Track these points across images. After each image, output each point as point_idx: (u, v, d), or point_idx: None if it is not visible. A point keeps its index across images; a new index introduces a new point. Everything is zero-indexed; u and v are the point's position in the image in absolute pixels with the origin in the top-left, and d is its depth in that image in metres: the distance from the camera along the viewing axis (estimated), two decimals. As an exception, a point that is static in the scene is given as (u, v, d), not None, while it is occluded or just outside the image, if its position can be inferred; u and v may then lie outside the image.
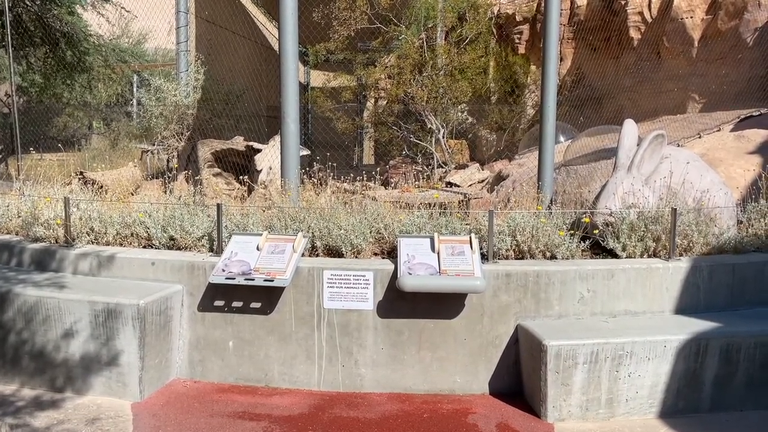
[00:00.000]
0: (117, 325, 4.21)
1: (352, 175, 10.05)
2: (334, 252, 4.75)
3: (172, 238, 4.85)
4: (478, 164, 11.41)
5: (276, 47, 13.83)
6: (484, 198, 7.15)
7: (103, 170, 9.43)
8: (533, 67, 13.11)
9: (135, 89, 10.35)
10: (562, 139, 9.54)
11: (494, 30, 12.86)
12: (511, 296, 4.38)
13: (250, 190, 8.80)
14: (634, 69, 10.31)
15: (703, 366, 4.03)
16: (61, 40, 11.78)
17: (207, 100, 10.86)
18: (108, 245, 5.01)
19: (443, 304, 4.35)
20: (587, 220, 4.73)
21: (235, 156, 8.82)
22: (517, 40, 13.02)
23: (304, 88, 14.55)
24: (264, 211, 7.57)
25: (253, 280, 4.28)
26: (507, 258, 4.65)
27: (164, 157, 10.74)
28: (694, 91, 9.49)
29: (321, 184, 9.13)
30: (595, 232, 4.70)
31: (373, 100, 9.57)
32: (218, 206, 4.62)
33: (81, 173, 8.58)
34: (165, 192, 9.83)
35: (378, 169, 12.84)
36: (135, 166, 9.57)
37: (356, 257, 4.68)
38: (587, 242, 4.70)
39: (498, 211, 5.70)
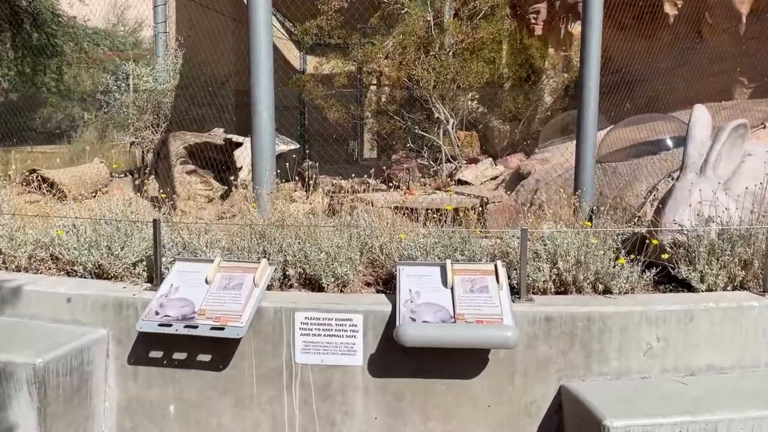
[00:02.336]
0: (8, 390, 3.04)
1: (342, 176, 8.83)
2: (312, 283, 3.56)
3: (98, 265, 3.67)
4: (491, 159, 10.18)
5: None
6: (503, 201, 5.95)
7: (64, 167, 8.26)
8: (551, 50, 11.84)
9: (108, 77, 9.16)
10: (589, 130, 8.29)
11: (507, 9, 11.57)
12: (553, 347, 3.18)
13: (230, 190, 7.63)
14: (671, 50, 9.04)
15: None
16: (25, 20, 10.57)
17: (186, 87, 9.66)
18: (19, 271, 3.84)
19: (459, 359, 3.16)
20: (655, 242, 3.51)
21: (214, 151, 7.64)
22: (533, 20, 11.73)
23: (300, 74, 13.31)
24: (222, 217, 6.39)
25: (196, 328, 3.10)
26: (545, 292, 3.45)
27: (138, 151, 9.57)
28: (743, 74, 8.23)
29: (310, 185, 7.95)
30: (664, 257, 3.49)
31: (373, 86, 8.36)
32: (155, 223, 3.43)
33: (34, 171, 7.41)
34: (138, 193, 8.65)
35: (380, 163, 11.65)
36: (101, 162, 8.39)
37: (341, 291, 3.49)
38: (653, 271, 3.48)
39: (526, 222, 4.51)
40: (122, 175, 9.35)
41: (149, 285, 3.52)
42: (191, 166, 7.50)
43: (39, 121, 19.59)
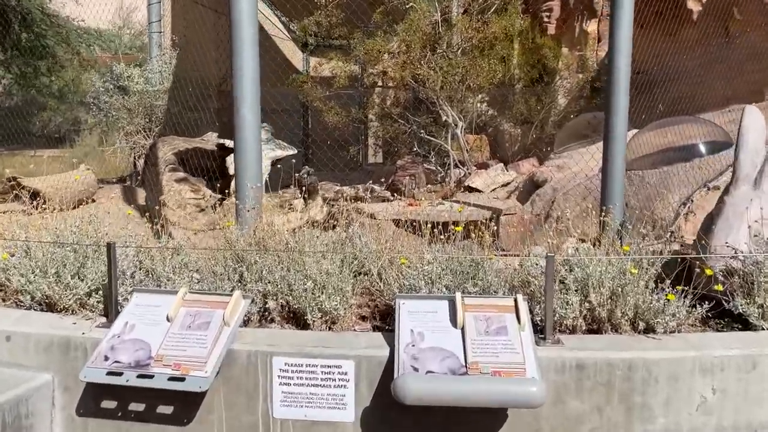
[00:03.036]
0: (-76, 453, 2.50)
1: (344, 182, 8.31)
2: (297, 317, 3.00)
3: (47, 295, 3.12)
4: (502, 164, 9.60)
5: (269, 29, 12.09)
6: (517, 213, 5.37)
7: (46, 175, 7.74)
8: (565, 50, 11.25)
9: (95, 79, 8.67)
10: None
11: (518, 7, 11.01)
12: (586, 402, 2.61)
13: (224, 199, 7.10)
14: (696, 48, 8.44)
15: None
16: (13, 20, 10.10)
17: (180, 89, 9.14)
18: (-40, 301, 3.31)
19: (470, 418, 2.60)
20: (709, 271, 2.92)
21: (205, 157, 7.10)
22: (545, 19, 11.16)
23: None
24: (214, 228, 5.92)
25: (151, 377, 2.55)
26: (574, 330, 2.88)
27: (129, 157, 9.07)
28: (776, 74, 7.61)
29: (308, 194, 7.40)
30: (717, 288, 2.91)
31: (376, 87, 7.79)
32: (109, 247, 2.88)
33: (14, 179, 6.89)
34: (127, 202, 8.15)
35: (384, 168, 11.08)
36: (88, 169, 7.87)
37: (330, 328, 2.93)
38: (705, 306, 2.90)
39: (544, 239, 3.97)
40: (116, 182, 8.86)
41: (104, 320, 2.98)
42: (181, 174, 6.96)
43: (39, 125, 19.18)
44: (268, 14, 11.79)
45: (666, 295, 2.80)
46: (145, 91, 8.59)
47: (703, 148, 5.49)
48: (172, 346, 2.63)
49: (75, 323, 2.98)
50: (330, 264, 3.01)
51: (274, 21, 12.06)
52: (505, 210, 5.22)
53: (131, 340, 2.68)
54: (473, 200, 7.36)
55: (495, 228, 5.17)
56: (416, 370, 2.46)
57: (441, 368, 2.47)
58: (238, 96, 3.96)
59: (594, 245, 3.68)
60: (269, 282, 3.00)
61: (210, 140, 7.31)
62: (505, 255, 4.01)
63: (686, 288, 2.88)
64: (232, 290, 2.93)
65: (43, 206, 4.20)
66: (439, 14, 6.42)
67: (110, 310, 2.90)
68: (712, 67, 7.93)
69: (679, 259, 3.13)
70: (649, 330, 2.84)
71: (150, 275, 3.16)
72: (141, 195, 7.52)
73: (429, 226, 3.61)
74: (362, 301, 3.23)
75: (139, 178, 8.67)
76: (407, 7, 6.40)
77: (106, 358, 2.63)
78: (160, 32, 10.10)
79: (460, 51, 6.67)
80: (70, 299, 3.06)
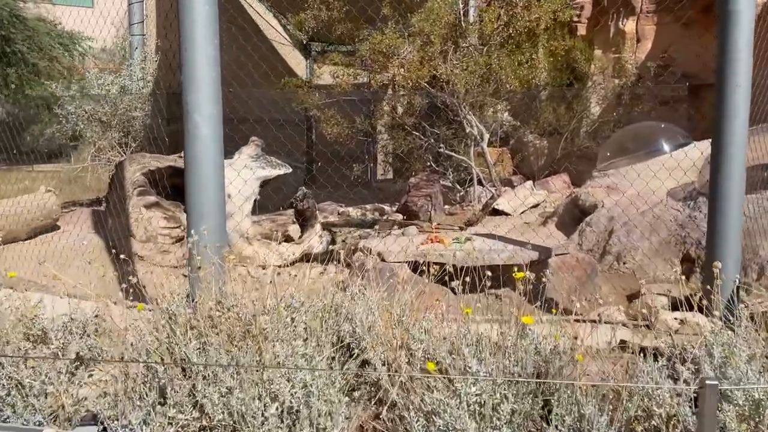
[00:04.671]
0: None
1: (350, 202, 7.12)
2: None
3: None
4: (530, 182, 8.38)
5: (271, 35, 10.97)
6: (572, 254, 4.13)
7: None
8: (598, 52, 10.05)
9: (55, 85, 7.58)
10: (665, 148, 6.48)
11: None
12: None
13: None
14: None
15: None
16: (-21, 23, 9.01)
17: (159, 100, 8.03)
18: None
19: None
20: None
21: (181, 177, 5.94)
22: (575, 18, 9.94)
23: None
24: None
25: None
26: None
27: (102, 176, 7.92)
28: None
29: (305, 221, 6.21)
30: None
31: (384, 88, 6.61)
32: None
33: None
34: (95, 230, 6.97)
35: (396, 186, 9.88)
36: (49, 190, 6.72)
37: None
38: None
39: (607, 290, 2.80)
40: (89, 205, 7.71)
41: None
42: (152, 198, 5.81)
43: (29, 139, 18.19)
44: (269, 18, 10.67)
45: None
46: (121, 100, 7.45)
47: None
48: None
49: None
50: (312, 377, 1.80)
51: (275, 24, 10.96)
52: (557, 249, 4.00)
53: None
54: (505, 228, 6.13)
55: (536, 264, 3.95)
56: None
57: None
58: (189, 100, 2.77)
59: (695, 307, 2.48)
60: (206, 406, 1.79)
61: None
62: (577, 320, 2.82)
63: None
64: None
65: None
66: (463, 2, 5.22)
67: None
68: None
69: None
70: None
71: (12, 393, 1.95)
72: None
73: (459, 284, 2.44)
74: (364, 416, 2.03)
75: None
76: (424, -5, 5.20)
77: None
78: (143, 34, 8.98)
79: (487, 48, 5.46)
80: None
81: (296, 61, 11.75)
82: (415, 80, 4.99)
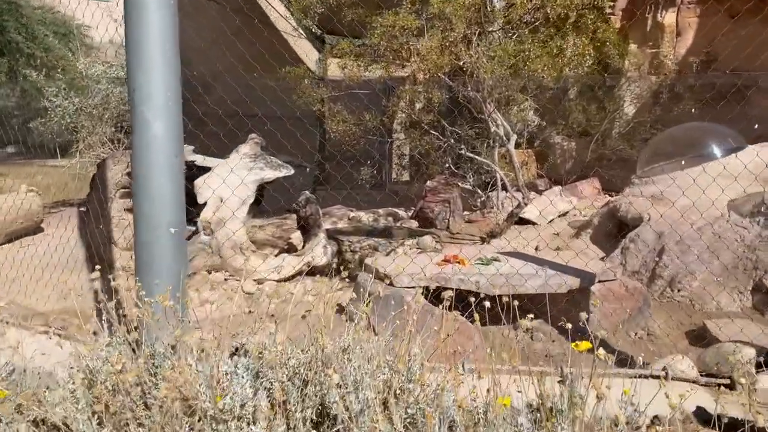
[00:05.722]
0: None
1: (362, 205, 6.48)
2: None
3: None
4: (559, 187, 7.65)
5: (281, 26, 10.30)
6: (618, 280, 3.42)
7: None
8: (633, 47, 9.27)
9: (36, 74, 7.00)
10: (716, 152, 5.71)
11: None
12: None
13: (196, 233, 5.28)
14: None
15: None
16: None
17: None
18: None
19: None
20: None
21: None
22: (609, 9, 9.17)
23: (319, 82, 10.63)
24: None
25: None
26: None
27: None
28: None
29: (308, 229, 5.55)
30: None
31: (397, 78, 5.86)
32: None
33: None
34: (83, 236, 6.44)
35: (413, 188, 9.18)
36: (31, 191, 6.14)
37: None
38: None
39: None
40: (79, 206, 7.13)
41: None
42: (137, 200, 5.18)
43: (35, 133, 17.79)
44: (279, 6, 9.99)
45: None
46: (111, 92, 6.85)
47: None
48: None
49: None
50: None
51: (286, 15, 10.29)
52: (601, 274, 3.29)
53: None
54: (533, 241, 5.42)
55: (577, 294, 3.23)
56: None
57: None
58: (135, 83, 2.12)
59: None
60: None
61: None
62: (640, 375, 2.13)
63: None
64: None
65: None
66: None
67: None
68: None
69: None
70: None
71: None
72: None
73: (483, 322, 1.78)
74: None
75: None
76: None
77: None
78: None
79: (517, 34, 4.74)
80: None
81: (304, 52, 11.08)
82: (433, 71, 4.31)
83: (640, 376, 2.46)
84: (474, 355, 3.03)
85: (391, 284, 3.28)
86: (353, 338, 2.05)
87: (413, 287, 3.25)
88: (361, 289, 3.39)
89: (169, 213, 2.20)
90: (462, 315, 3.26)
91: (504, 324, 2.82)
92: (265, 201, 6.85)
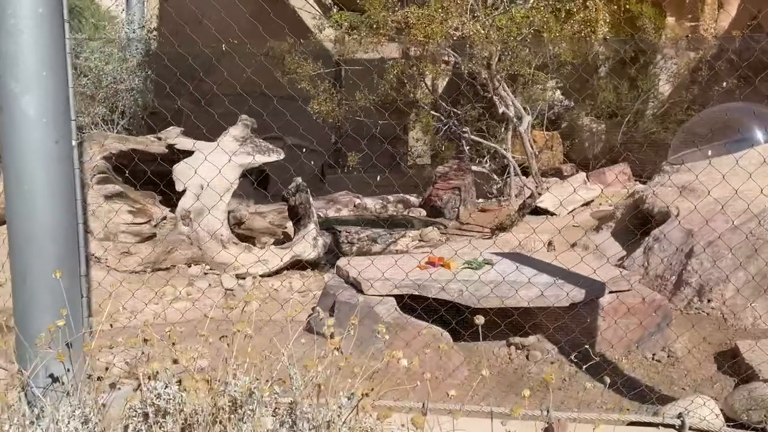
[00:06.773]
0: None
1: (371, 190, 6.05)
2: None
3: None
4: (583, 174, 7.02)
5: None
6: (633, 290, 2.88)
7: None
8: (670, 20, 8.49)
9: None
10: (760, 136, 5.06)
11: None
12: None
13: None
14: None
15: None
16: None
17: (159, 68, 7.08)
18: None
19: None
20: None
21: (153, 162, 4.91)
22: (643, -21, 8.41)
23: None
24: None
25: None
26: None
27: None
28: None
29: (297, 219, 5.09)
30: None
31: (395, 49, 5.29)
32: None
33: None
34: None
35: (429, 172, 8.61)
36: None
37: None
38: None
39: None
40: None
41: None
42: (115, 187, 4.80)
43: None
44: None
45: None
46: (104, 70, 6.49)
47: None
48: None
49: None
50: None
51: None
52: (612, 282, 2.75)
53: None
54: (546, 235, 4.88)
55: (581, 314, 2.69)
56: None
57: None
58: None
59: None
60: None
61: (162, 139, 5.11)
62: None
63: None
64: None
65: None
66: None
67: None
68: None
69: None
70: None
71: None
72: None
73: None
74: None
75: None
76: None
77: None
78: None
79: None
80: None
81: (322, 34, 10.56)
82: (425, 41, 3.77)
83: (649, 424, 1.95)
84: (451, 379, 2.55)
85: (360, 290, 2.81)
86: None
87: (385, 295, 2.78)
88: (327, 297, 2.93)
89: (53, 232, 1.77)
90: (446, 328, 2.78)
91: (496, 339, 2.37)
92: (270, 187, 6.43)
